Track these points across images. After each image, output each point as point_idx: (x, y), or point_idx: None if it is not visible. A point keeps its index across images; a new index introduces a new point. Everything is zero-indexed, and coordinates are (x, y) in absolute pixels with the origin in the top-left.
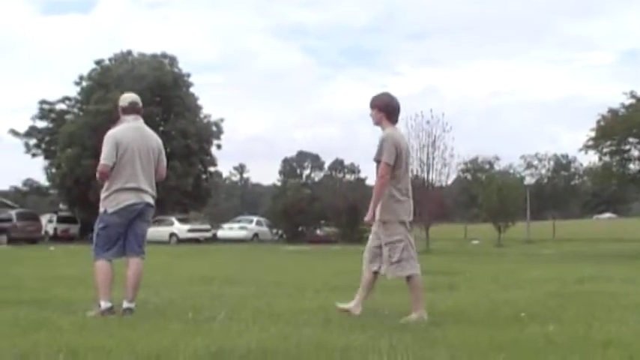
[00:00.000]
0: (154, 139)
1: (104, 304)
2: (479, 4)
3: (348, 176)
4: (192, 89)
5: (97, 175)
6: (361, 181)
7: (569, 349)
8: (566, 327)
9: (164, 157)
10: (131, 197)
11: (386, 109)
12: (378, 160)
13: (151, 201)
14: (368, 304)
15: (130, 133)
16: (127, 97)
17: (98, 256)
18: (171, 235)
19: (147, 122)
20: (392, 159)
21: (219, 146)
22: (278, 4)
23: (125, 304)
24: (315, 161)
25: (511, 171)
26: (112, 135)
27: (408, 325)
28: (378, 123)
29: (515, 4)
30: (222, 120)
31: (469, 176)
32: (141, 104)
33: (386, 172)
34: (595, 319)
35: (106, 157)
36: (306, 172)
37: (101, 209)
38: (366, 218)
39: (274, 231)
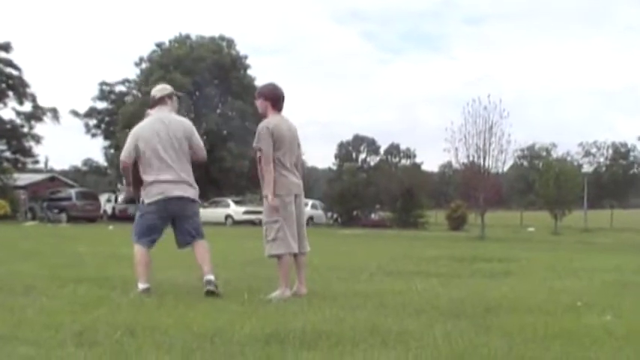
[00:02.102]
0: (181, 125)
1: (141, 286)
2: None
3: (403, 161)
4: (249, 71)
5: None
6: (417, 166)
7: (626, 341)
8: (624, 318)
9: (197, 138)
10: (164, 190)
11: (271, 97)
12: (258, 149)
13: (186, 193)
14: (424, 292)
15: (150, 128)
16: (153, 91)
17: (135, 241)
18: (227, 216)
19: (205, 103)
20: (269, 146)
21: None
22: None
23: (205, 278)
24: (371, 145)
25: (568, 158)
26: (133, 131)
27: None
28: (263, 111)
29: None
30: None
31: (526, 163)
32: (166, 92)
33: (265, 159)
34: None
35: (123, 153)
36: (362, 156)
37: (141, 199)
38: (272, 203)
39: (329, 214)
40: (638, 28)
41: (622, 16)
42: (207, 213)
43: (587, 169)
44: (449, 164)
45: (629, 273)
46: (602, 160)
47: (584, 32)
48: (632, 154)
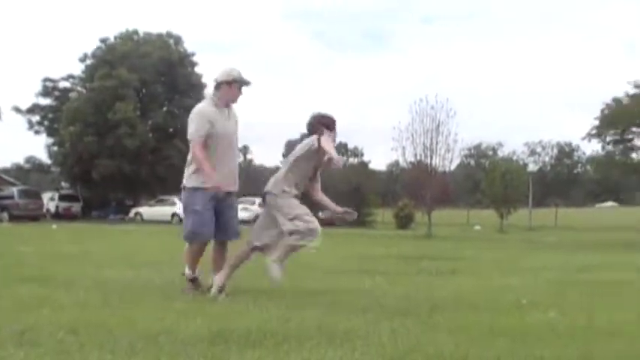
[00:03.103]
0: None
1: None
2: None
3: (351, 159)
4: (197, 69)
5: None
6: (365, 165)
7: (570, 337)
8: (568, 315)
9: None
10: None
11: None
12: None
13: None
14: (370, 290)
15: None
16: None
17: None
18: (174, 214)
19: (152, 100)
20: None
21: None
22: None
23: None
24: None
25: (514, 157)
26: None
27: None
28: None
29: None
30: None
31: (472, 162)
32: (221, 79)
33: None
34: (597, 308)
35: None
36: None
37: None
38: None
39: None
40: (584, 28)
41: (569, 16)
42: (154, 211)
43: (532, 168)
44: (396, 163)
45: (573, 271)
46: (547, 159)
47: (531, 32)
48: (576, 153)
